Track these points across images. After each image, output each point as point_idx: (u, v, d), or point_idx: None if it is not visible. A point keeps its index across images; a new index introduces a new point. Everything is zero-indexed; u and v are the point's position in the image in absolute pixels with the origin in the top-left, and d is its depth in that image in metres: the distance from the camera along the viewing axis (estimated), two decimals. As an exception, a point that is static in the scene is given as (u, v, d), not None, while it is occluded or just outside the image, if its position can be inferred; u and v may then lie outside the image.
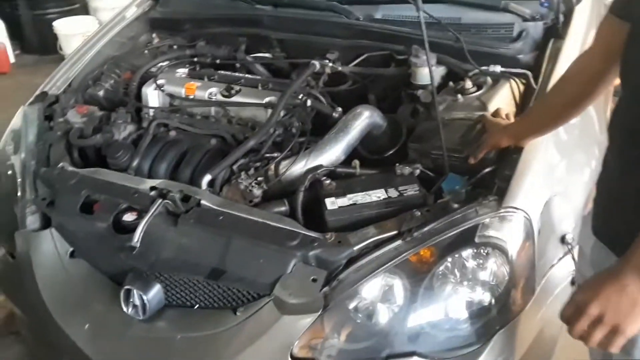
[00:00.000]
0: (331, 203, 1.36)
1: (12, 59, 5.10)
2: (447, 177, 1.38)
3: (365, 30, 1.80)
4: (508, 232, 1.24)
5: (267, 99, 1.69)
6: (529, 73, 1.60)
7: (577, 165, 1.54)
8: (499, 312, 1.24)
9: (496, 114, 1.49)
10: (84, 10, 5.43)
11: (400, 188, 1.38)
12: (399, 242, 1.23)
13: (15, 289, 1.52)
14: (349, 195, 1.38)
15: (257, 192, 1.47)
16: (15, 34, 5.22)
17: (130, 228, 1.38)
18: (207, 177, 1.46)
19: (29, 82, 4.97)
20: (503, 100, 1.55)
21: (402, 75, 1.76)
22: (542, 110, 1.35)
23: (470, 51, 1.64)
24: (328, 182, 1.42)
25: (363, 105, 1.64)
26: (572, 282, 1.39)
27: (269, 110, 1.65)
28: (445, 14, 1.74)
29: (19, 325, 2.00)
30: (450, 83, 1.65)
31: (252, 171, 1.50)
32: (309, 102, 1.64)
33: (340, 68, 1.82)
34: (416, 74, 1.67)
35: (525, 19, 1.71)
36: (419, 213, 1.27)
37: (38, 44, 5.33)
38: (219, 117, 1.73)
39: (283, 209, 1.44)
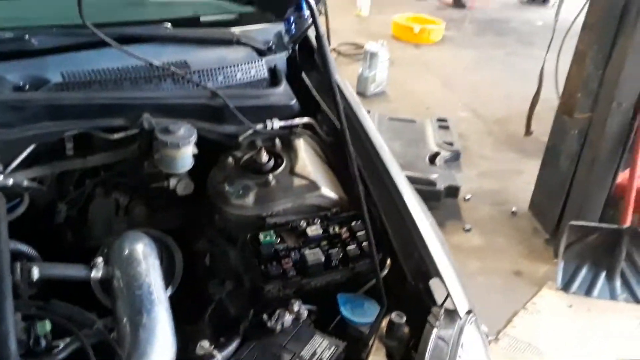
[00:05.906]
0: None
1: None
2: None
3: (47, 106, 1.02)
4: (473, 344, 0.93)
5: None
6: (312, 121, 1.23)
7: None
8: None
9: None
10: None
11: (305, 354, 0.86)
12: None
13: None
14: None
15: None
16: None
17: None
18: None
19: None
20: (314, 165, 1.15)
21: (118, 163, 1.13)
22: None
23: (225, 108, 1.14)
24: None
25: (130, 233, 0.95)
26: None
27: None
28: (162, 56, 1.16)
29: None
30: (229, 159, 1.13)
31: None
32: (35, 273, 0.82)
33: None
34: (172, 159, 1.07)
35: (260, 52, 1.30)
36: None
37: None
38: None
39: None
